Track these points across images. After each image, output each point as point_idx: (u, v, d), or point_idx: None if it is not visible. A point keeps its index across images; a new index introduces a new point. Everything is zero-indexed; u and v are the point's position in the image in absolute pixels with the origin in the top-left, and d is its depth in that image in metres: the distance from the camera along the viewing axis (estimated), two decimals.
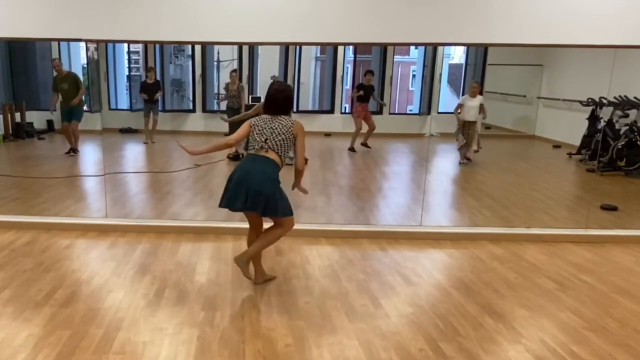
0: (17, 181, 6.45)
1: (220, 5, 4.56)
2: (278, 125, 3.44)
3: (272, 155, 3.41)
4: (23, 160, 8.08)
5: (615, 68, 5.08)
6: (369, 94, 8.73)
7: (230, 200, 3.39)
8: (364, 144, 8.53)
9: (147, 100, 9.13)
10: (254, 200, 3.32)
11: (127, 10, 4.53)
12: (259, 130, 3.46)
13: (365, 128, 8.55)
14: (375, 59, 10.34)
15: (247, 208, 3.38)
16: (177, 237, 4.61)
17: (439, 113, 9.26)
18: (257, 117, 3.53)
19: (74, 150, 7.85)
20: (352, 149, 8.34)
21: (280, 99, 3.52)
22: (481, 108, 7.73)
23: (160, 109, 9.38)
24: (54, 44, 8.89)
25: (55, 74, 7.98)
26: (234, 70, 9.24)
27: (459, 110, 7.88)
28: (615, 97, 7.03)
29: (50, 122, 9.22)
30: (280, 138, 3.41)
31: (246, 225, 5.18)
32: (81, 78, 8.20)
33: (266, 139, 3.41)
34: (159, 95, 9.24)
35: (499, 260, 4.29)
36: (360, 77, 9.52)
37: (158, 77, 9.50)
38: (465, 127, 7.78)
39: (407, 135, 9.22)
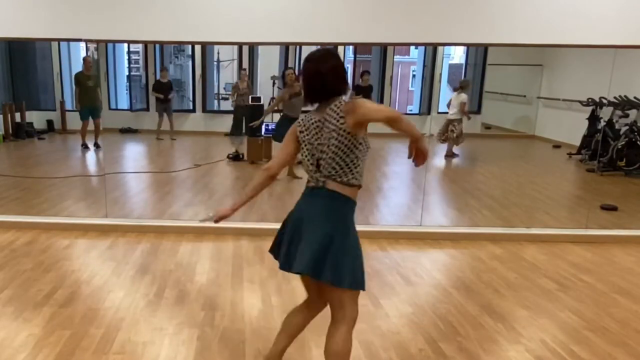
0: (17, 181, 6.45)
1: (220, 5, 4.55)
2: (327, 127, 2.13)
3: (331, 185, 2.16)
4: (23, 160, 8.08)
5: (615, 68, 5.08)
6: (366, 95, 8.70)
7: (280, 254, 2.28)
8: None
9: (160, 100, 9.21)
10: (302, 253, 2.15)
11: (127, 10, 4.53)
12: (307, 144, 2.22)
13: None
14: (375, 59, 10.33)
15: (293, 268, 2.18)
16: (177, 237, 4.61)
17: (439, 113, 9.25)
18: (302, 118, 2.26)
19: (96, 145, 8.09)
20: None
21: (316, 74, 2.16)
22: (461, 107, 7.88)
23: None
24: (54, 44, 8.89)
25: (81, 69, 8.11)
26: (244, 69, 9.27)
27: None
28: (615, 97, 7.03)
29: (50, 122, 9.23)
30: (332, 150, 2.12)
31: (245, 225, 5.16)
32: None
33: (318, 160, 2.18)
34: (171, 95, 9.32)
35: (499, 260, 4.29)
36: (359, 77, 9.50)
37: (158, 77, 9.52)
38: (449, 124, 7.98)
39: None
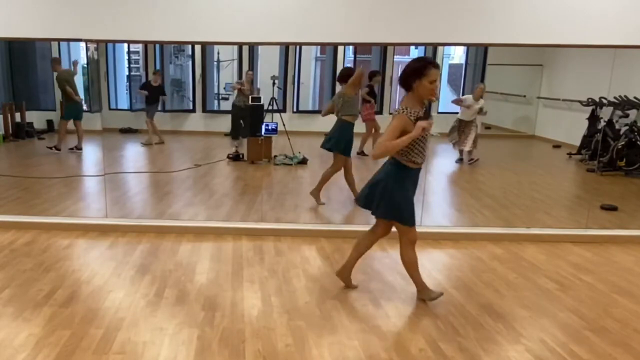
0: (17, 181, 6.45)
1: (220, 5, 4.56)
2: None
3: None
4: (23, 160, 8.08)
5: (615, 68, 5.08)
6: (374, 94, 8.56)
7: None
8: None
9: (147, 102, 9.12)
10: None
11: (127, 10, 4.53)
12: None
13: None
14: (375, 59, 10.31)
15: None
16: (177, 237, 4.61)
17: (439, 113, 9.25)
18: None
19: (76, 148, 7.92)
20: (361, 153, 8.18)
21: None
22: (480, 110, 7.79)
23: (160, 109, 9.36)
24: (54, 44, 8.88)
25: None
26: (250, 69, 9.21)
27: (459, 101, 7.94)
28: (615, 97, 7.03)
29: (50, 122, 9.22)
30: None
31: (245, 225, 5.19)
32: (76, 76, 8.18)
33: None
34: (163, 98, 9.18)
35: (499, 260, 4.29)
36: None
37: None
38: (461, 126, 7.84)
39: None
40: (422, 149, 3.19)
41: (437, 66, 3.07)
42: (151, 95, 9.06)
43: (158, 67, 9.84)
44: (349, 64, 10.25)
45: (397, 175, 3.22)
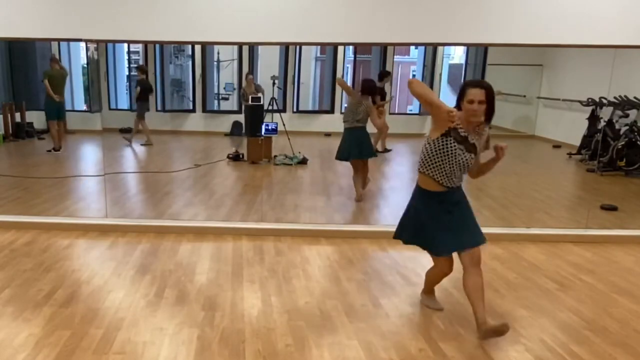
0: (17, 181, 6.44)
1: (219, 5, 4.56)
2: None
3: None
4: (23, 160, 8.08)
5: (615, 68, 5.08)
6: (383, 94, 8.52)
7: None
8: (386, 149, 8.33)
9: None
10: None
11: (127, 10, 4.53)
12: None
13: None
14: (375, 59, 10.32)
15: None
16: (177, 237, 4.61)
17: None
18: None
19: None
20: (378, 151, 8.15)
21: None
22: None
23: (159, 109, 9.36)
24: (54, 44, 8.89)
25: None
26: (250, 73, 9.20)
27: None
28: (615, 97, 7.03)
29: None
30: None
31: (245, 225, 5.21)
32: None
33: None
34: (135, 94, 9.10)
35: (499, 260, 4.29)
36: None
37: (158, 77, 9.44)
38: None
39: (407, 135, 9.21)
40: (442, 167, 3.14)
41: (477, 85, 3.00)
42: (140, 90, 9.03)
43: (158, 67, 9.84)
44: (349, 64, 10.25)
45: (414, 199, 3.33)
